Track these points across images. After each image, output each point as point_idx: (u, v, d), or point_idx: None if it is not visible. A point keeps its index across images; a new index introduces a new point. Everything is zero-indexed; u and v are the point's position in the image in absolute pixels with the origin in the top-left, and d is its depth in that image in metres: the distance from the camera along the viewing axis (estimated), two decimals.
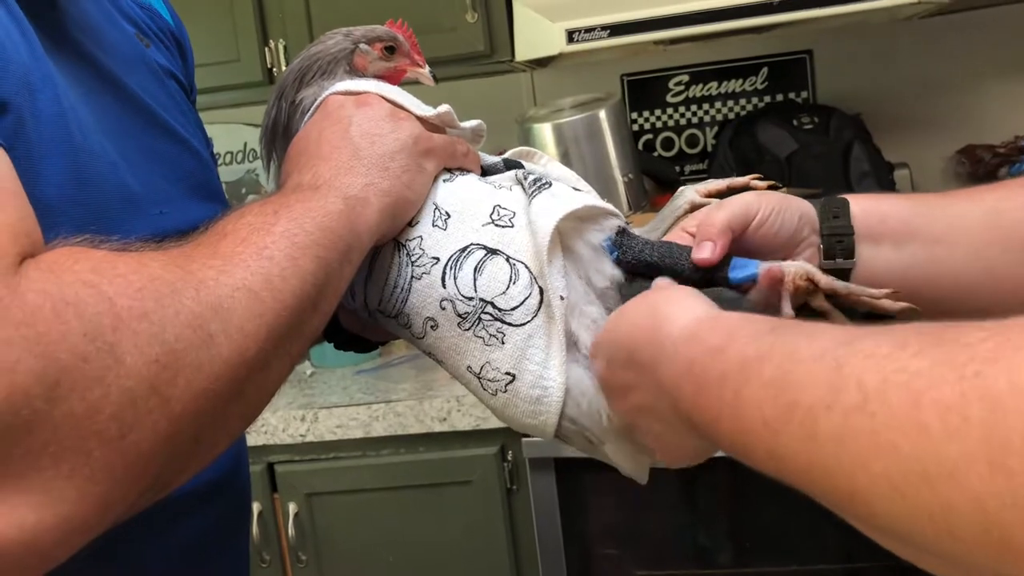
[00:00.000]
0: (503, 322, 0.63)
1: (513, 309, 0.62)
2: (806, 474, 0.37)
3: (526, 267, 0.63)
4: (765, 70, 2.30)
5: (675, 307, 0.53)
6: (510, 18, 1.92)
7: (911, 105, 2.24)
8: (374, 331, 0.75)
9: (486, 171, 0.72)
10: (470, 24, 1.96)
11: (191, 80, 0.81)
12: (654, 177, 2.23)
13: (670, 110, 2.35)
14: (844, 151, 2.09)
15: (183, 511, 0.64)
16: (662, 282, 0.62)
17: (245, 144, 2.40)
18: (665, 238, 0.69)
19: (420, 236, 0.65)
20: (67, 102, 0.54)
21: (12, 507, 0.39)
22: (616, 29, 1.80)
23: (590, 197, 0.66)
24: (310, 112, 0.70)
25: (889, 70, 2.24)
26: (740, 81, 2.31)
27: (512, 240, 0.64)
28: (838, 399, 0.35)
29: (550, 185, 0.66)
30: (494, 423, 1.67)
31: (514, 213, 0.65)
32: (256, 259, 0.50)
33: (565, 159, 1.92)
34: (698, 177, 2.29)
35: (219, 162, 2.37)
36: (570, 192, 0.67)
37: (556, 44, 1.82)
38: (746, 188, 0.70)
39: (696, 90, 2.33)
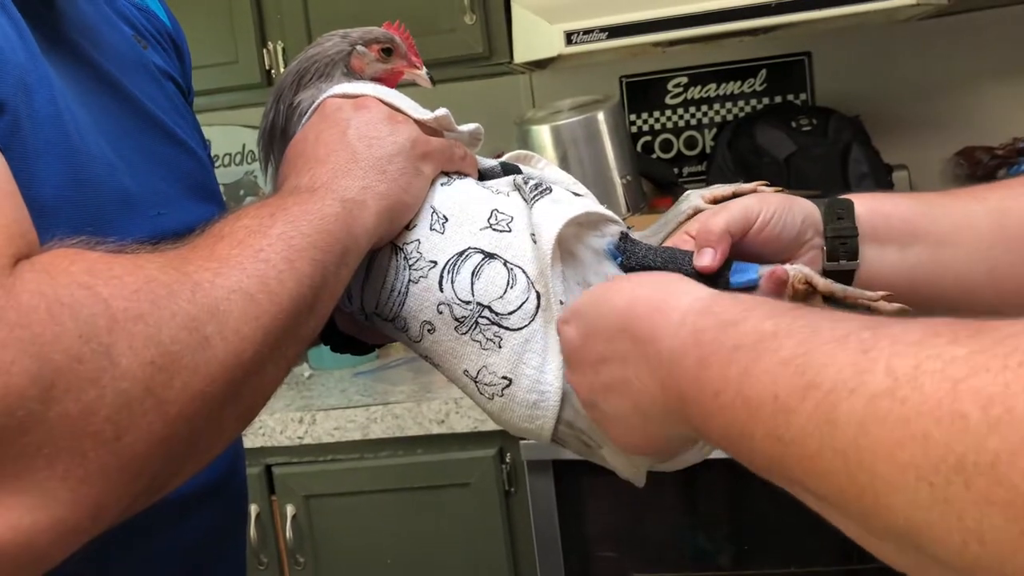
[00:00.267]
0: (500, 326, 0.63)
1: (510, 313, 0.62)
2: (813, 460, 0.35)
3: (523, 271, 0.63)
4: (764, 72, 2.30)
5: (687, 284, 0.51)
6: (508, 20, 1.92)
7: (910, 107, 2.24)
8: (371, 334, 0.75)
9: (483, 174, 0.72)
10: (468, 26, 1.96)
11: (188, 82, 0.81)
12: (652, 179, 2.23)
13: (669, 112, 2.35)
14: (843, 153, 2.09)
15: (180, 513, 0.64)
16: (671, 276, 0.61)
17: (243, 146, 2.40)
18: (667, 242, 0.69)
19: (417, 240, 0.65)
20: (64, 103, 0.54)
21: (6, 508, 0.39)
22: (615, 31, 1.80)
23: (591, 203, 0.66)
24: (308, 115, 0.70)
25: (888, 72, 2.24)
26: (739, 83, 2.31)
27: (510, 244, 0.64)
28: (863, 382, 0.33)
29: (550, 190, 0.66)
30: (492, 425, 1.67)
31: (512, 218, 0.65)
32: (252, 261, 0.50)
33: (563, 161, 1.92)
34: (696, 179, 2.30)
35: (217, 164, 2.37)
36: (571, 197, 0.67)
37: (554, 46, 1.82)
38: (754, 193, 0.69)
39: (695, 92, 2.33)
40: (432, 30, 1.95)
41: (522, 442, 1.68)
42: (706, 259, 0.62)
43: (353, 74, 0.72)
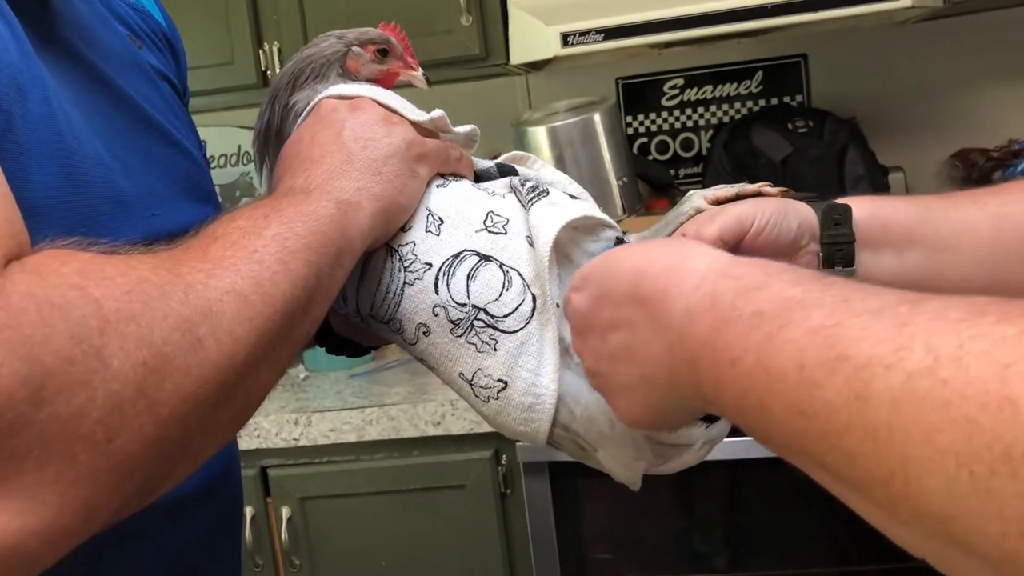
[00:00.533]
0: (496, 329, 0.62)
1: (506, 316, 0.62)
2: (839, 438, 0.33)
3: (519, 274, 0.63)
4: (760, 74, 2.30)
5: (705, 248, 0.49)
6: (505, 21, 1.92)
7: (905, 109, 2.25)
8: (366, 336, 0.74)
9: (479, 176, 0.72)
10: (464, 27, 1.96)
11: (184, 82, 0.81)
12: (649, 181, 2.23)
13: (665, 114, 2.35)
14: (839, 154, 2.09)
15: (174, 515, 0.63)
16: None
17: (239, 147, 2.40)
18: None
19: (413, 241, 0.65)
20: (57, 103, 0.54)
21: None
22: (611, 32, 1.80)
23: (588, 207, 0.66)
24: (303, 116, 0.69)
25: (883, 74, 2.25)
26: (735, 85, 2.32)
27: (506, 247, 0.64)
28: (900, 359, 0.32)
29: (547, 193, 0.66)
30: (488, 427, 1.67)
31: (507, 220, 0.65)
32: (246, 263, 0.50)
33: (559, 162, 1.92)
34: (692, 181, 2.30)
35: (212, 165, 2.37)
36: (568, 200, 0.66)
37: (551, 47, 1.82)
38: (758, 195, 0.69)
39: (691, 94, 2.33)
40: (428, 31, 1.95)
41: (518, 444, 1.67)
42: None
43: (349, 75, 0.72)
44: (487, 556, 1.77)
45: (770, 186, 0.70)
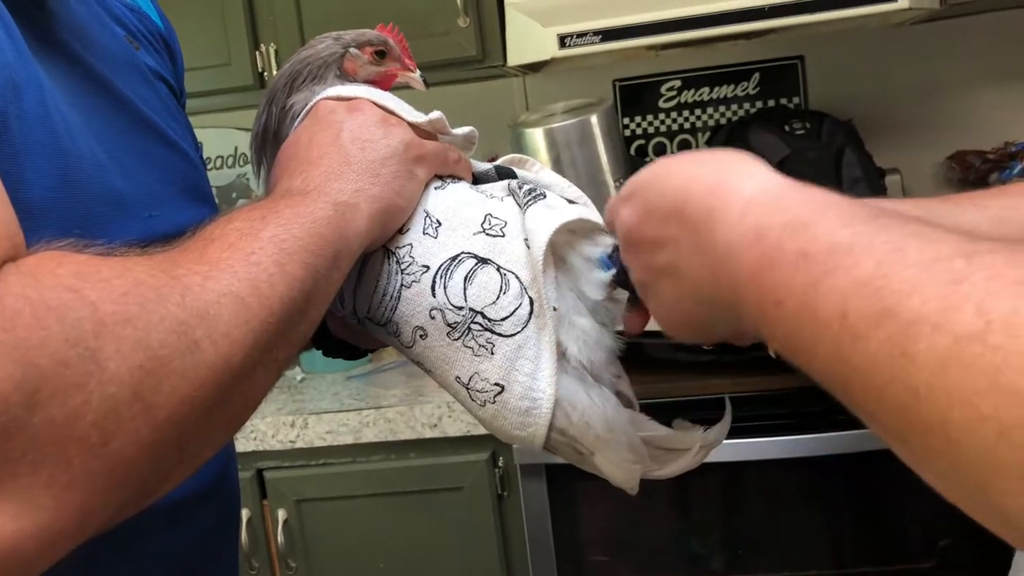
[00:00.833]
0: (493, 332, 0.62)
1: (503, 319, 0.62)
2: (880, 391, 0.33)
3: (516, 277, 0.62)
4: (757, 75, 2.30)
5: (752, 166, 0.47)
6: (502, 23, 1.92)
7: (902, 111, 2.25)
8: (363, 338, 0.74)
9: (478, 178, 0.72)
10: (462, 28, 1.96)
11: (181, 83, 0.81)
12: None
13: (662, 115, 2.35)
14: (836, 156, 2.09)
15: (172, 517, 0.63)
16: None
17: (236, 148, 2.39)
18: None
19: (410, 244, 0.65)
20: (54, 104, 0.53)
21: None
22: (608, 34, 1.80)
23: (585, 210, 0.66)
24: (300, 117, 0.69)
25: (881, 76, 2.25)
26: (732, 86, 2.32)
27: (503, 250, 0.63)
28: (949, 319, 0.31)
29: (544, 195, 0.65)
30: (485, 429, 1.67)
31: (505, 223, 0.65)
32: (243, 265, 0.50)
33: (557, 164, 1.92)
34: None
35: (209, 166, 2.37)
36: (564, 203, 0.66)
37: (548, 49, 1.82)
38: None
39: (688, 95, 2.33)
40: (426, 32, 1.94)
41: (515, 446, 1.67)
42: None
43: (346, 76, 0.72)
44: (484, 558, 1.77)
45: None
